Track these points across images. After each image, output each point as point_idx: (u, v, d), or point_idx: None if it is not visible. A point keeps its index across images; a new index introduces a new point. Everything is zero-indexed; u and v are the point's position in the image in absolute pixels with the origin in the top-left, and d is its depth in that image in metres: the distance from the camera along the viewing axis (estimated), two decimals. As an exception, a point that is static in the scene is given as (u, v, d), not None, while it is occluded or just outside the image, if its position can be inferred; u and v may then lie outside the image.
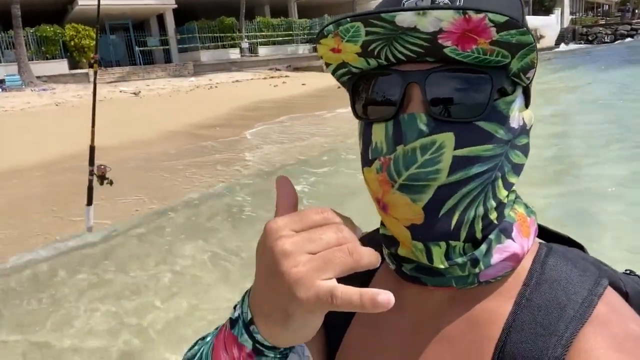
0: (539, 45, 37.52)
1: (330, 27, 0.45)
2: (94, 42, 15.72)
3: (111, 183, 3.77)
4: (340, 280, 0.36)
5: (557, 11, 44.98)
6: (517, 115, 0.48)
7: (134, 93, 14.67)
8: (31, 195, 5.48)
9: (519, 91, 0.49)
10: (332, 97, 12.59)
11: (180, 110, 11.28)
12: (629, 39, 41.23)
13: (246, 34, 22.64)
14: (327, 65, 0.50)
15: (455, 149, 0.44)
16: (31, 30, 17.60)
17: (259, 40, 23.56)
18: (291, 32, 24.69)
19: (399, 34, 0.43)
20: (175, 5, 21.15)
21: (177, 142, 8.30)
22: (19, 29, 15.83)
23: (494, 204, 0.47)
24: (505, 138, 0.47)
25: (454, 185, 0.45)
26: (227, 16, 22.24)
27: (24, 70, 16.01)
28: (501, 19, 0.39)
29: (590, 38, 44.22)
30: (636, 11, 58.39)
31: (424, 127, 0.44)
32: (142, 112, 11.02)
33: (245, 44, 22.55)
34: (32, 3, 18.38)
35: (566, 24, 48.05)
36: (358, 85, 0.50)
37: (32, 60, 17.11)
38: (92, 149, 3.75)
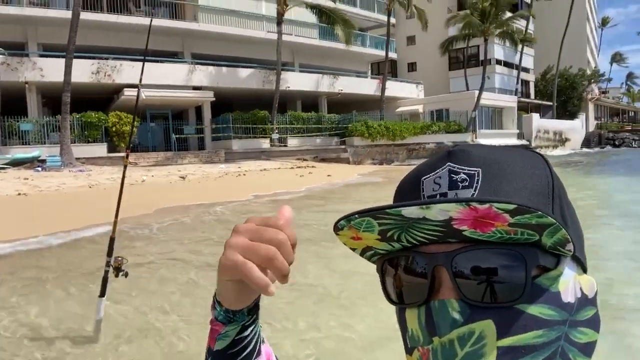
0: (563, 151, 37.83)
1: (343, 222, 0.45)
2: (135, 129, 16.56)
3: (126, 275, 3.72)
4: None
5: (582, 116, 45.89)
6: (572, 287, 0.43)
7: (182, 177, 15.20)
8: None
9: (565, 262, 0.43)
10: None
11: (199, 195, 11.52)
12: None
13: (277, 125, 23.71)
14: (353, 249, 0.49)
15: (498, 338, 0.40)
16: (77, 116, 18.87)
17: (289, 132, 24.59)
18: (320, 126, 25.75)
19: (411, 223, 0.42)
20: (214, 98, 22.58)
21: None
22: (66, 114, 17.02)
23: None
24: (559, 318, 0.41)
25: None
26: (261, 109, 23.51)
27: (65, 152, 16.94)
28: (509, 207, 0.37)
29: (617, 143, 44.44)
30: (663, 118, 59.00)
31: (457, 316, 0.41)
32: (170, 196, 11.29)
33: (275, 135, 23.52)
34: (83, 92, 19.96)
35: (591, 128, 48.71)
36: (386, 267, 0.48)
37: (75, 142, 18.15)
38: (112, 240, 3.76)
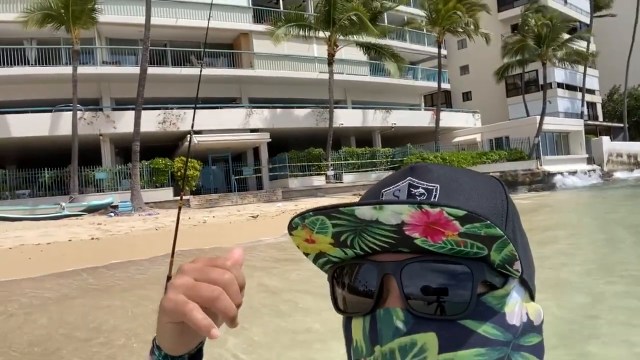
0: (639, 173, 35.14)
1: (297, 219, 0.44)
2: (197, 173, 17.33)
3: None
4: None
5: (659, 135, 42.59)
6: (518, 311, 0.43)
7: (253, 216, 15.72)
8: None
9: (513, 283, 0.44)
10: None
11: (260, 231, 11.76)
12: None
13: (332, 162, 24.00)
14: (306, 254, 0.49)
15: (439, 352, 0.40)
16: (146, 163, 20.17)
17: (344, 168, 24.79)
18: (375, 160, 25.76)
19: (364, 226, 0.42)
20: (270, 139, 23.37)
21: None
22: (136, 162, 18.25)
23: None
24: (502, 339, 0.41)
25: None
26: (315, 147, 23.99)
27: (135, 197, 18.05)
28: (459, 212, 0.37)
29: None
30: None
31: (400, 325, 0.41)
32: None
33: (331, 172, 23.78)
34: (151, 140, 21.40)
35: (671, 148, 44.95)
36: (336, 276, 0.48)
37: (144, 188, 19.32)
38: (169, 279, 3.94)
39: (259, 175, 24.39)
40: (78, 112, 18.78)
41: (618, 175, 32.88)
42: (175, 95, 22.77)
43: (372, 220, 0.40)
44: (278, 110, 24.76)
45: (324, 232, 0.44)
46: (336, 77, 24.46)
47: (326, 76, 23.74)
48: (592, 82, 42.21)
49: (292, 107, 25.27)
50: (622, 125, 40.66)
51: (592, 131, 36.51)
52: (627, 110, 41.26)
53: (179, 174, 20.68)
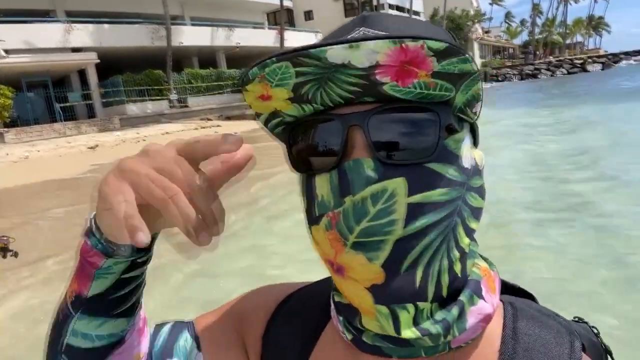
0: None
1: (255, 69, 0.40)
2: (10, 101, 14.69)
3: (16, 255, 3.37)
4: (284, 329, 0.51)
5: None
6: (469, 155, 0.45)
7: (92, 147, 13.92)
8: None
9: (467, 128, 0.46)
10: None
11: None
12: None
13: (175, 85, 22.41)
14: (258, 115, 0.45)
15: (408, 195, 0.40)
16: None
17: (188, 91, 23.41)
18: (221, 83, 24.80)
19: (332, 72, 0.38)
20: (98, 60, 20.61)
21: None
22: None
23: (457, 254, 0.43)
24: (460, 180, 0.43)
25: (412, 237, 0.40)
26: (154, 69, 21.98)
27: None
28: (441, 45, 0.36)
29: (500, 79, 48.39)
30: (537, 52, 65.13)
31: (372, 173, 0.40)
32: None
33: (174, 96, 22.28)
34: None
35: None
36: (294, 136, 0.45)
37: None
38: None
39: (90, 102, 21.64)
40: None
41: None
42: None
43: (344, 63, 0.37)
44: (105, 25, 21.71)
45: (284, 84, 0.40)
46: (170, -12, 22.16)
47: (159, -13, 21.33)
48: (418, 4, 45.69)
49: (122, 23, 22.35)
50: (441, 45, 45.43)
51: (418, 51, 40.11)
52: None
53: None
